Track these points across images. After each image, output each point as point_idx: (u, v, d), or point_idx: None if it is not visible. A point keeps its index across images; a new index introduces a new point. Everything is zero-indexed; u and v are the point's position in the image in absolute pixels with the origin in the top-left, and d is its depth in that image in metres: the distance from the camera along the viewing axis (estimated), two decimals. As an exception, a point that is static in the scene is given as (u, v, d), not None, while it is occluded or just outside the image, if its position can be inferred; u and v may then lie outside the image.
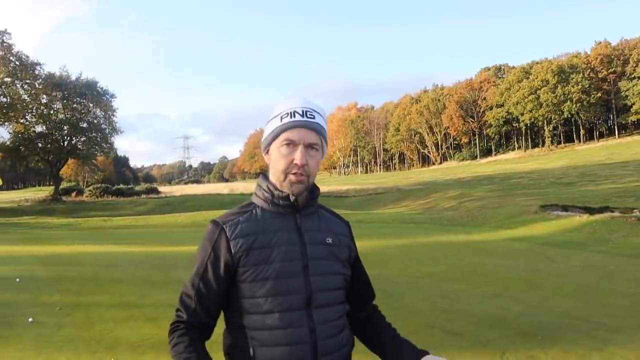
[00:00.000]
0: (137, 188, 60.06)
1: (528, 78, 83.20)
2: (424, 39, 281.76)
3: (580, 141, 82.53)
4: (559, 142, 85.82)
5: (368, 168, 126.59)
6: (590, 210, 18.51)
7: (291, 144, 1.46)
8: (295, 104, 1.49)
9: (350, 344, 1.58)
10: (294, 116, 1.46)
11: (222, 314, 1.54)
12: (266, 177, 1.57)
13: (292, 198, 1.48)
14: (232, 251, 1.43)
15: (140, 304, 6.62)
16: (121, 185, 60.60)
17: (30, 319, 5.67)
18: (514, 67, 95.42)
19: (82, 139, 51.77)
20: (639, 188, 24.93)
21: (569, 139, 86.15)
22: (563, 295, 7.27)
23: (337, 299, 1.53)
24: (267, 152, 1.55)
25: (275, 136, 1.49)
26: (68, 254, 12.19)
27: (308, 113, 1.48)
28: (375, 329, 1.67)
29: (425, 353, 1.51)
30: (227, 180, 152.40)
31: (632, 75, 73.93)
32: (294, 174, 1.46)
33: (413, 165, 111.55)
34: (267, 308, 1.41)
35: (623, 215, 16.28)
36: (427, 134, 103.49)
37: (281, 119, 1.48)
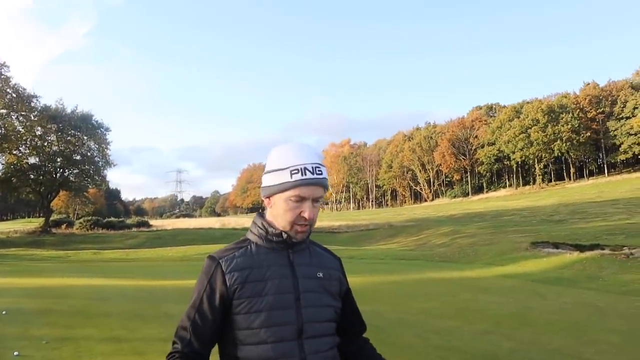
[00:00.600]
0: (128, 221, 59.63)
1: (519, 117, 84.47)
2: (416, 77, 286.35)
3: (570, 179, 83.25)
4: (550, 180, 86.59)
5: (360, 204, 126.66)
6: (580, 248, 18.60)
7: (300, 200, 1.52)
8: (304, 159, 1.53)
9: None
10: (305, 174, 1.50)
11: (216, 346, 1.59)
12: (262, 215, 1.64)
13: (284, 235, 1.55)
14: (228, 284, 1.50)
15: (130, 338, 6.54)
16: (112, 218, 60.15)
17: (15, 353, 5.57)
18: (505, 107, 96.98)
19: (75, 171, 51.77)
20: (629, 225, 25.10)
21: (560, 177, 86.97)
22: (554, 332, 7.26)
23: (328, 331, 1.57)
24: (269, 198, 1.59)
25: (283, 190, 1.53)
26: (57, 287, 12.04)
27: (317, 170, 1.53)
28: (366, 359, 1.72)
29: None
30: (219, 215, 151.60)
31: (620, 116, 75.47)
32: (300, 225, 1.53)
33: (405, 202, 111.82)
34: (261, 339, 1.46)
35: (613, 253, 16.38)
36: (420, 171, 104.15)
37: (291, 174, 1.51)
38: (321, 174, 1.53)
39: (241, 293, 1.49)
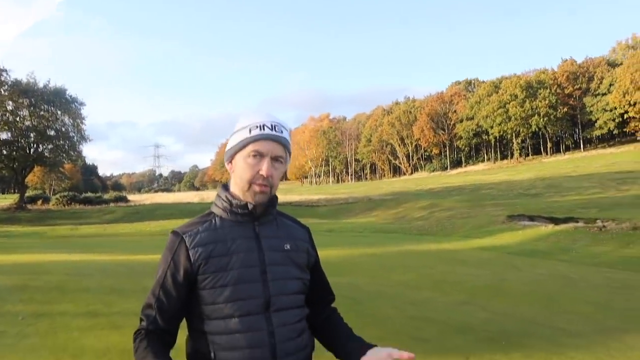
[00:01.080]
0: (106, 196, 58.77)
1: (497, 92, 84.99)
2: (396, 52, 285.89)
3: (547, 154, 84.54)
4: (527, 155, 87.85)
5: (339, 178, 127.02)
6: (555, 221, 18.99)
7: (258, 155, 1.50)
8: (264, 118, 1.54)
9: (310, 347, 1.61)
10: (263, 129, 1.51)
11: (185, 320, 1.57)
12: (226, 187, 1.62)
13: (250, 206, 1.53)
14: (192, 260, 1.48)
15: (107, 312, 6.52)
16: (89, 194, 59.35)
17: (-10, 329, 5.52)
18: (483, 82, 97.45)
19: (49, 147, 50.61)
20: (602, 199, 25.67)
21: (537, 152, 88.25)
22: (529, 302, 7.44)
23: (296, 303, 1.57)
24: (231, 162, 1.59)
25: (242, 147, 1.53)
26: (33, 263, 11.88)
27: (276, 127, 1.53)
28: (332, 328, 1.71)
29: (375, 346, 1.55)
30: (197, 189, 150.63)
31: (596, 92, 76.52)
32: (259, 184, 1.50)
33: (384, 176, 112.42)
34: (227, 313, 1.45)
35: (586, 225, 16.77)
36: (399, 145, 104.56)
37: (250, 130, 1.51)
38: (281, 132, 1.54)
39: (206, 268, 1.47)
